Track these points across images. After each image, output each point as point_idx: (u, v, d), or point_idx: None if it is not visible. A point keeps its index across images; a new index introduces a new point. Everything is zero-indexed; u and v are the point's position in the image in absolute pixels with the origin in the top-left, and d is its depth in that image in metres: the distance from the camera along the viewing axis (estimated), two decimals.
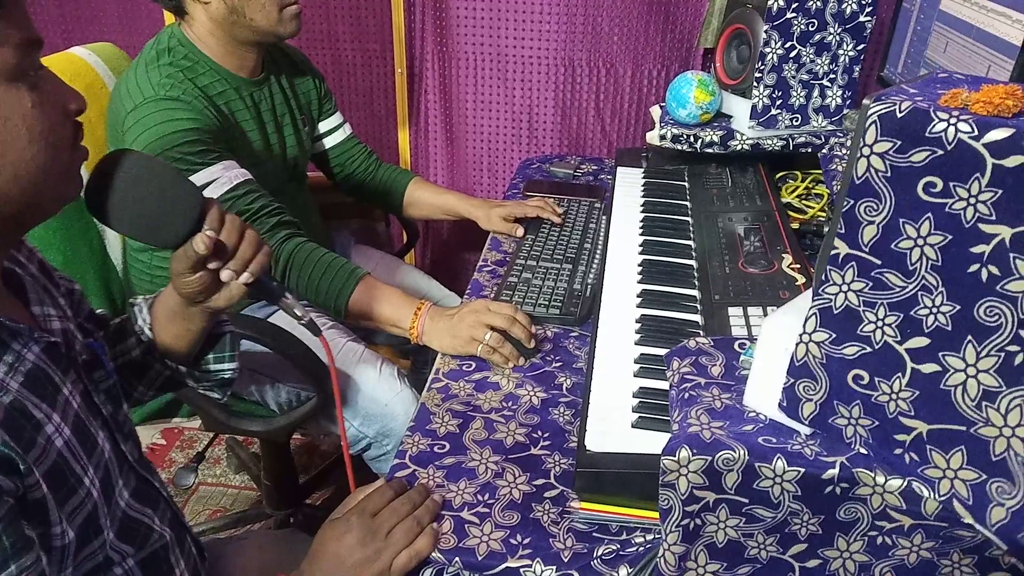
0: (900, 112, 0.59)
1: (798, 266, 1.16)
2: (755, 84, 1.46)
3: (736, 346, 0.88)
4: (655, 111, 1.68)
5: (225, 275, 0.83)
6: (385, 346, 1.58)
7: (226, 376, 0.98)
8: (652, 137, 1.59)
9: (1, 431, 0.63)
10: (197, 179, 1.19)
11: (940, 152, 0.58)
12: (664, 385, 0.93)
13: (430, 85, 1.95)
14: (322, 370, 1.31)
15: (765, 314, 1.03)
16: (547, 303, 1.24)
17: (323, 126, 1.59)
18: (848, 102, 1.48)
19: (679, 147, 1.56)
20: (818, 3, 1.39)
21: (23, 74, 0.66)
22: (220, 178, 1.21)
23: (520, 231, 1.48)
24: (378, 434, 1.36)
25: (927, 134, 0.58)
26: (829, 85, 1.47)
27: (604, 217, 1.50)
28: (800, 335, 0.69)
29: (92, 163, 0.78)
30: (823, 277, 0.66)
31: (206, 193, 1.18)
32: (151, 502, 0.84)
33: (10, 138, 0.65)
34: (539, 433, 0.99)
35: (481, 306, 1.15)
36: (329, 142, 1.60)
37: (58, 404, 0.72)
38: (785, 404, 0.73)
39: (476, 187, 2.00)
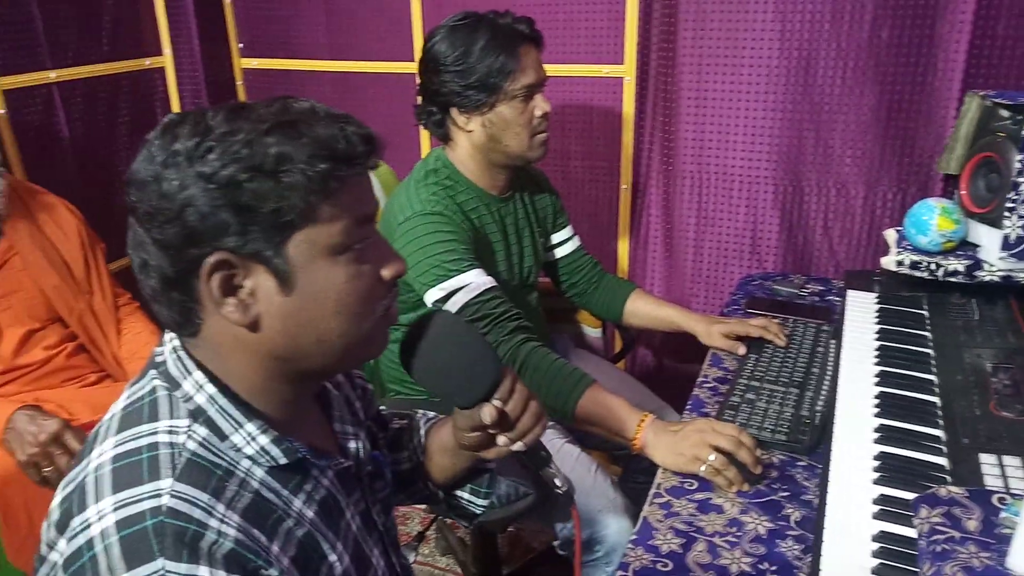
0: None
1: None
2: (1007, 214, 1.39)
3: (995, 500, 0.83)
4: (890, 235, 1.64)
5: (502, 440, 0.86)
6: (597, 450, 1.62)
7: (476, 511, 1.03)
8: (888, 262, 1.55)
9: (293, 568, 0.69)
10: (452, 283, 1.34)
11: None
12: (908, 532, 0.89)
13: (653, 200, 2.03)
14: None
15: None
16: (773, 428, 1.22)
17: (555, 238, 1.71)
18: None
19: (918, 274, 1.50)
20: None
21: (347, 248, 0.70)
22: (471, 284, 1.34)
23: (742, 350, 1.48)
24: (590, 539, 1.39)
25: None
26: None
27: (833, 341, 1.47)
28: None
29: None
30: None
31: (456, 298, 1.32)
32: None
33: (318, 309, 0.69)
34: (765, 565, 0.97)
35: (706, 425, 1.16)
36: (559, 252, 1.72)
37: (341, 530, 0.78)
38: None
39: (692, 300, 2.03)
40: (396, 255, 0.76)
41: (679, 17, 1.86)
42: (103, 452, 0.68)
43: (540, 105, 1.44)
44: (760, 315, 1.59)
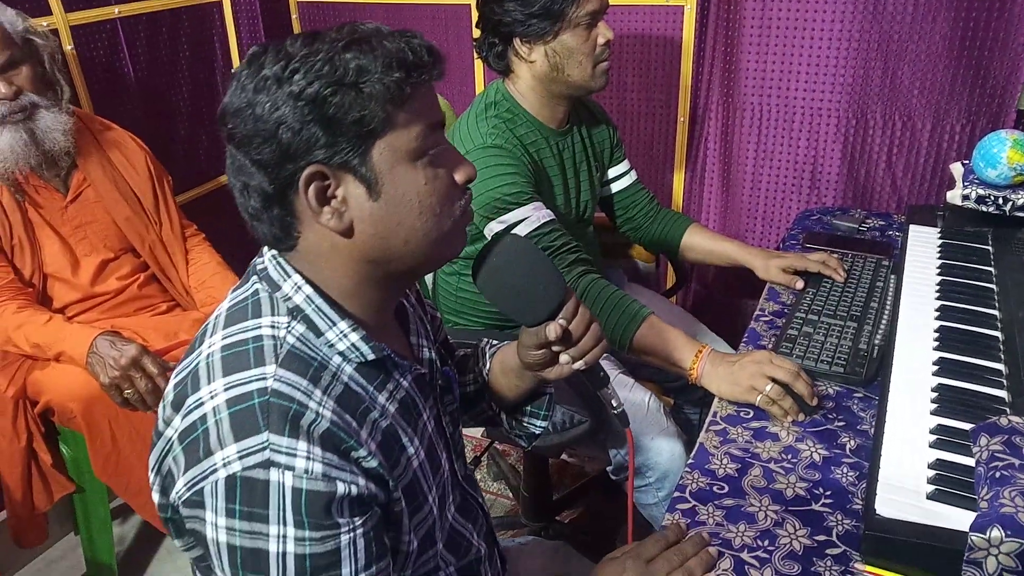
0: None
1: None
2: None
3: None
4: (956, 168, 1.60)
5: (564, 358, 0.91)
6: (649, 381, 1.64)
7: (536, 431, 1.08)
8: (953, 196, 1.52)
9: (379, 452, 0.76)
10: (512, 216, 1.36)
11: None
12: (965, 460, 0.91)
13: (711, 133, 2.00)
14: (597, 397, 1.41)
15: None
16: (830, 360, 1.23)
17: (612, 172, 1.71)
18: None
19: (985, 209, 1.47)
20: None
21: (423, 153, 0.76)
22: (530, 216, 1.36)
23: (800, 284, 1.48)
24: (642, 465, 1.43)
25: None
26: None
27: (893, 276, 1.46)
28: None
29: None
30: None
31: (516, 231, 1.34)
32: (472, 516, 0.96)
33: (404, 211, 0.76)
34: (820, 490, 1.00)
35: (764, 357, 1.17)
36: (616, 187, 1.72)
37: (418, 428, 0.84)
38: None
39: (749, 234, 2.02)
40: (466, 161, 0.82)
41: None
42: (212, 343, 0.76)
43: (603, 32, 1.43)
44: (819, 250, 1.58)
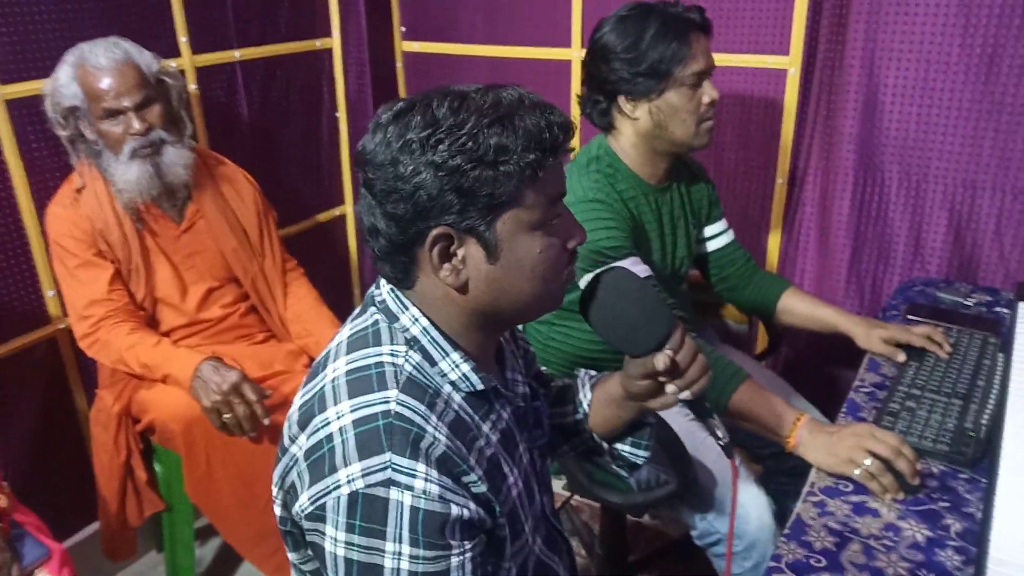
0: None
1: None
2: None
3: None
4: None
5: (670, 389, 0.92)
6: (738, 446, 1.61)
7: (638, 461, 1.09)
8: None
9: (485, 479, 0.79)
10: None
11: None
12: None
13: (809, 196, 1.98)
14: (684, 459, 1.39)
15: None
16: (934, 438, 1.19)
17: (708, 230, 1.70)
18: None
19: None
20: None
21: (543, 224, 0.81)
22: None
23: (902, 357, 1.43)
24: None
25: None
26: None
27: (1001, 355, 1.40)
28: None
29: None
30: None
31: None
32: (557, 550, 0.97)
33: (517, 275, 0.81)
34: (923, 572, 0.96)
35: (865, 430, 1.14)
36: (712, 245, 1.71)
37: (516, 459, 0.88)
38: None
39: (846, 302, 1.97)
40: (580, 227, 0.86)
41: (851, 9, 1.80)
42: (336, 368, 0.81)
43: (708, 92, 1.44)
44: (921, 322, 1.53)
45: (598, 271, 0.92)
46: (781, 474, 1.60)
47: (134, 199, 1.69)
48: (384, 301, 0.86)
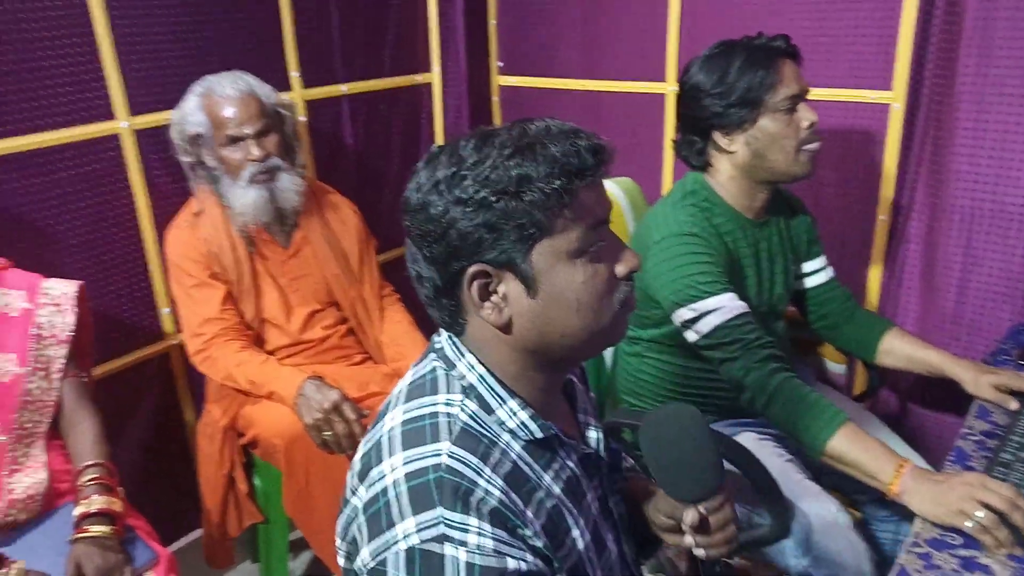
0: None
1: None
2: None
3: None
4: None
5: (689, 540, 0.88)
6: (835, 491, 1.56)
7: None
8: None
9: (543, 533, 0.77)
10: (704, 305, 1.36)
11: None
12: None
13: (914, 234, 1.91)
14: (780, 501, 1.35)
15: None
16: None
17: (807, 266, 1.67)
18: None
19: None
20: None
21: (583, 252, 0.79)
22: (724, 307, 1.36)
23: (1014, 404, 1.37)
24: None
25: None
26: None
27: None
28: None
29: None
30: None
31: (707, 320, 1.34)
32: None
33: (560, 308, 0.79)
34: None
35: (977, 480, 1.09)
36: (811, 282, 1.68)
37: (583, 510, 0.85)
38: None
39: (952, 344, 1.88)
40: (630, 252, 0.83)
41: (961, 44, 1.74)
42: (394, 418, 0.81)
43: (806, 116, 1.42)
44: None
45: (674, 406, 0.88)
46: (882, 520, 1.54)
47: (248, 223, 1.79)
48: (442, 348, 0.85)
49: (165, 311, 2.01)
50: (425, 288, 0.82)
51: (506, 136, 0.78)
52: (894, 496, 1.17)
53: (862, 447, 1.22)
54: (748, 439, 1.47)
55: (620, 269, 0.82)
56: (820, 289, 1.67)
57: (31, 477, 1.45)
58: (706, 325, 1.36)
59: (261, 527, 1.91)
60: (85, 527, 1.36)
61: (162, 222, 1.91)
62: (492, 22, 2.58)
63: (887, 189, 1.95)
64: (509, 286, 0.78)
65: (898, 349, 1.60)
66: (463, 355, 0.83)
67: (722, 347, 1.36)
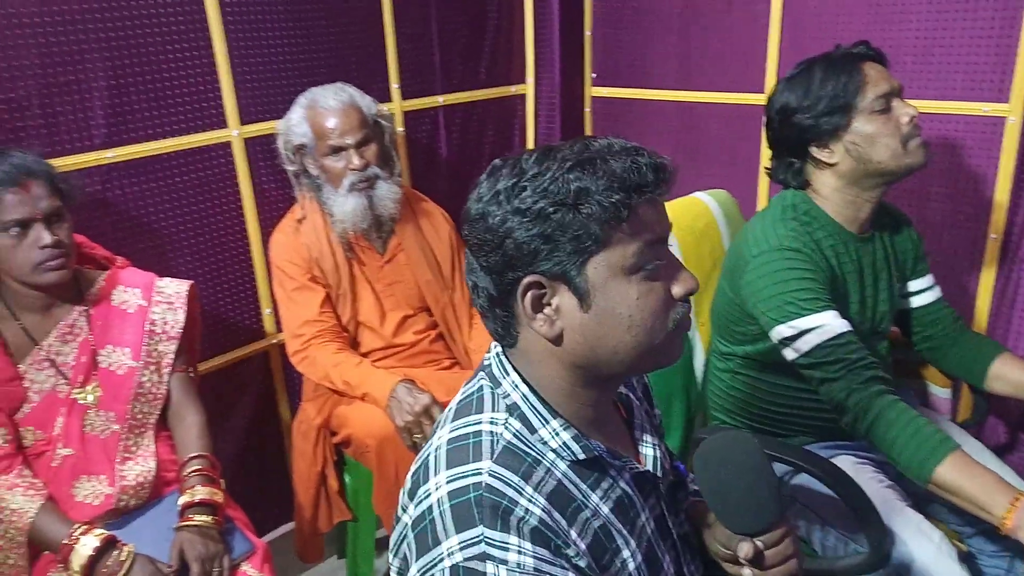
0: None
1: None
2: None
3: None
4: None
5: (746, 572, 0.87)
6: (940, 521, 1.49)
7: None
8: None
9: (588, 553, 0.77)
10: (804, 323, 1.32)
11: None
12: None
13: None
14: (879, 528, 1.30)
15: None
16: None
17: (913, 285, 1.61)
18: None
19: None
20: None
21: (639, 269, 0.78)
22: (825, 325, 1.32)
23: None
24: None
25: None
26: None
27: None
28: None
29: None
30: None
31: (807, 339, 1.31)
32: None
33: (612, 324, 0.78)
34: None
35: None
36: (916, 301, 1.61)
37: (636, 529, 0.84)
38: None
39: None
40: (688, 273, 0.82)
41: None
42: (441, 436, 0.83)
43: (904, 111, 1.38)
44: None
45: (732, 433, 0.87)
46: (990, 555, 1.46)
47: (348, 230, 1.86)
48: (490, 366, 0.86)
49: (267, 311, 2.09)
50: (480, 298, 0.83)
51: (568, 151, 0.79)
52: (1008, 531, 1.12)
53: (973, 477, 1.16)
54: (846, 463, 1.42)
55: (677, 290, 0.81)
56: (926, 309, 1.60)
57: (141, 465, 1.54)
58: (806, 344, 1.33)
59: (350, 524, 1.97)
60: (189, 516, 1.43)
61: (267, 227, 2.00)
62: (587, 33, 2.59)
63: (999, 208, 1.85)
64: (563, 298, 0.79)
65: (1009, 375, 1.52)
66: (508, 373, 0.84)
67: (823, 367, 1.32)
